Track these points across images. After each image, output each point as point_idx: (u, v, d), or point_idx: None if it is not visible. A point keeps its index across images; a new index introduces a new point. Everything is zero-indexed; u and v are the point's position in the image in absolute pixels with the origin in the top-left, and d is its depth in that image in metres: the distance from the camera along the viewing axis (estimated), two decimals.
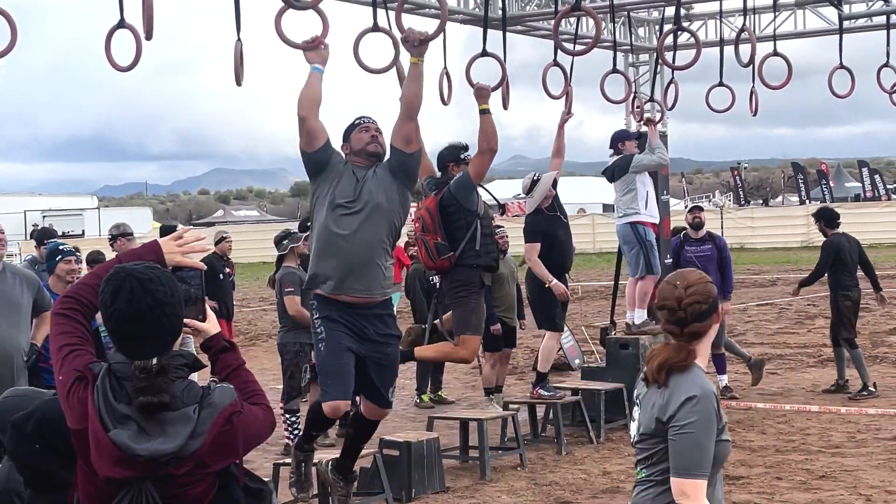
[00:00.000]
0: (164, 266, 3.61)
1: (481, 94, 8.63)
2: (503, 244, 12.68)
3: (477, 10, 12.30)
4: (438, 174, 9.20)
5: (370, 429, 7.61)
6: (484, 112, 8.52)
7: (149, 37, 7.52)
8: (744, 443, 10.59)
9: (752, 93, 11.15)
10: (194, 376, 3.44)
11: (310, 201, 7.24)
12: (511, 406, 11.40)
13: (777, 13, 12.66)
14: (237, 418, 3.28)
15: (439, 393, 13.84)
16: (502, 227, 13.17)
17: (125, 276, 3.32)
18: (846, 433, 10.90)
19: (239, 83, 8.10)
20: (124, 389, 3.24)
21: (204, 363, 3.59)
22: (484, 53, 9.76)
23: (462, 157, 9.07)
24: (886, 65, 11.53)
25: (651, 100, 12.77)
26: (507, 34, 10.35)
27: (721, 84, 11.13)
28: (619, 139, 12.21)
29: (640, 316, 12.29)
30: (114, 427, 3.19)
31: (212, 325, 3.64)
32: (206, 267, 3.80)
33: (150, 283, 3.30)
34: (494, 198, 10.73)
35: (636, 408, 4.17)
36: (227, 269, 14.31)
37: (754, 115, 11.48)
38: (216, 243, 14.29)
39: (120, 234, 11.44)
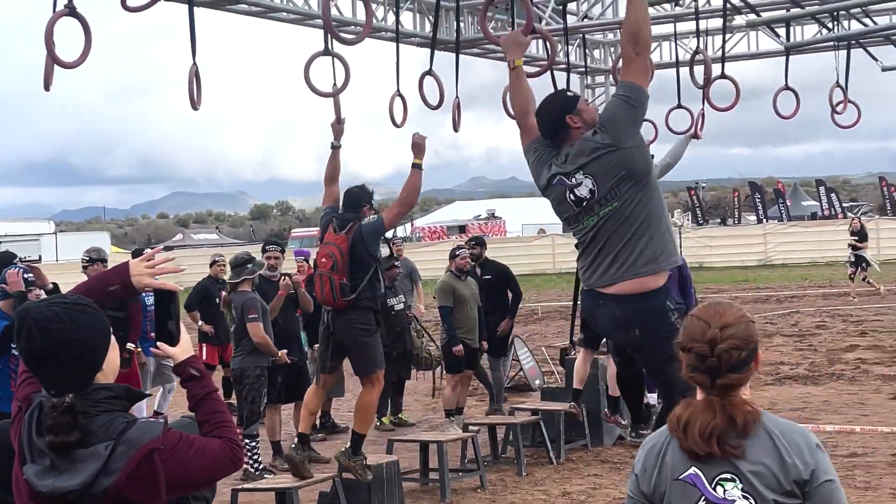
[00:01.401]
0: (132, 288, 3.56)
1: (417, 148, 8.83)
2: (465, 265, 12.71)
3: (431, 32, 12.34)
4: (341, 207, 9.25)
5: None
6: (416, 167, 8.75)
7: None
8: None
9: (700, 114, 11.22)
10: (143, 405, 3.37)
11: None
12: (471, 427, 11.40)
13: (729, 35, 12.78)
14: (159, 455, 3.17)
15: (399, 415, 13.81)
16: (464, 248, 13.20)
17: (25, 315, 3.25)
18: None
19: (195, 107, 8.09)
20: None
21: (146, 392, 3.52)
22: (430, 73, 9.83)
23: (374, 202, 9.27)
24: (837, 84, 11.68)
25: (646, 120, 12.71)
26: (464, 56, 10.39)
27: (679, 106, 11.22)
28: None
29: None
30: (31, 461, 3.16)
31: (181, 351, 3.51)
32: (180, 289, 3.72)
33: (47, 322, 3.20)
34: (390, 248, 10.69)
35: (730, 485, 3.13)
36: (223, 292, 14.25)
37: (697, 137, 11.52)
38: (209, 266, 14.29)
39: (99, 260, 11.40)
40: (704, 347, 3.17)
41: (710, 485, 3.13)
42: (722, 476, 3.12)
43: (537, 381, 15.52)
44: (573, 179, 5.96)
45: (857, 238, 28.24)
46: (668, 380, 6.01)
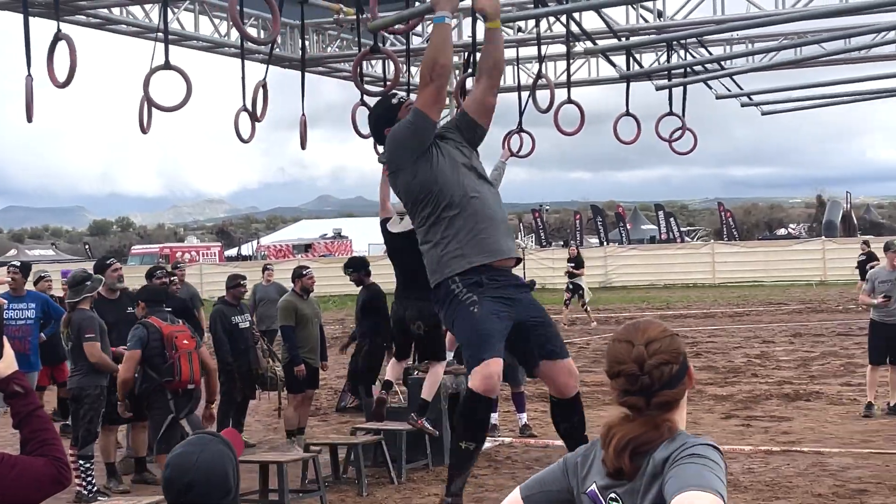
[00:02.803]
0: None
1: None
2: (309, 284, 12.65)
3: (278, 49, 12.28)
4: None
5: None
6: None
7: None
8: None
9: (518, 135, 11.35)
10: None
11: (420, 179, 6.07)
12: (312, 448, 11.32)
13: (571, 61, 13.04)
14: None
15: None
16: (309, 268, 13.13)
17: None
18: None
19: (30, 119, 7.89)
20: None
21: None
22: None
23: None
24: (670, 113, 12.01)
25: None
26: (310, 74, 10.35)
27: (521, 130, 11.36)
28: None
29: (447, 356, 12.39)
30: None
31: (4, 366, 3.39)
32: (4, 303, 3.58)
33: None
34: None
35: None
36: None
37: (513, 154, 11.67)
38: (35, 283, 13.86)
39: None
40: (634, 367, 2.99)
41: (604, 501, 3.04)
42: (611, 496, 3.02)
43: None
44: None
45: (573, 265, 29.15)
46: (465, 347, 6.31)
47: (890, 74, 13.40)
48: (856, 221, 66.17)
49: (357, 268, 13.61)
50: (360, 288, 13.77)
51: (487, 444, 12.75)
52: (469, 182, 6.04)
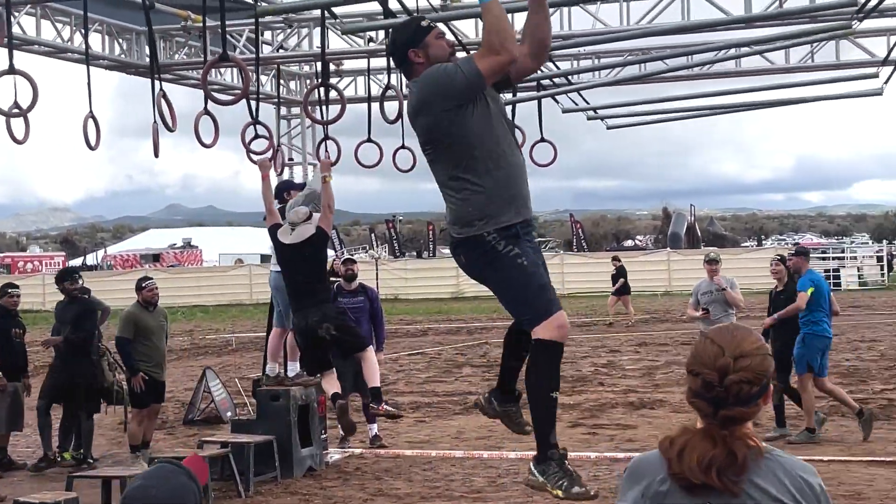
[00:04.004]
0: None
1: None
2: (150, 297, 12.40)
3: (123, 56, 12.06)
4: None
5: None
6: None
7: None
8: (391, 490, 10.78)
9: (396, 150, 11.47)
10: None
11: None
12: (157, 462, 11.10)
13: None
14: None
15: (82, 451, 13.26)
16: (152, 279, 12.88)
17: None
18: (487, 478, 11.29)
19: None
20: None
21: None
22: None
23: None
24: (542, 140, 12.19)
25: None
26: (159, 82, 10.18)
27: (369, 140, 11.37)
28: (284, 189, 12.03)
29: (292, 368, 12.29)
30: None
31: None
32: None
33: None
34: None
35: None
36: None
37: (406, 171, 11.79)
38: None
39: None
40: (714, 376, 2.87)
41: None
42: None
43: (228, 413, 15.32)
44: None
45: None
46: (520, 304, 5.65)
47: (729, 91, 13.85)
48: (699, 233, 68.10)
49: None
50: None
51: (337, 456, 12.71)
52: (503, 133, 5.69)
